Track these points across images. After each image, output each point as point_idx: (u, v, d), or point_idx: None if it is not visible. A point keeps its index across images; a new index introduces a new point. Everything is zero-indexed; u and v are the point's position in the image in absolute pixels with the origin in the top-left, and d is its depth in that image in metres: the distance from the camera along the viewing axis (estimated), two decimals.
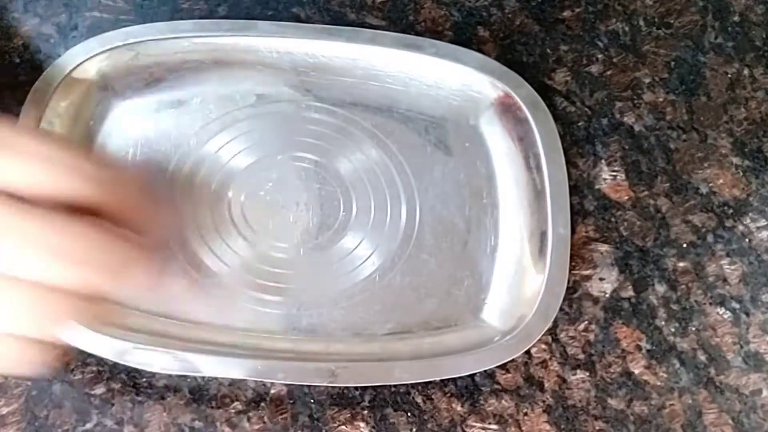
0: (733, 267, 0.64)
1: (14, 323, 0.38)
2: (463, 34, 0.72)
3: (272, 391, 0.58)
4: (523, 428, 0.59)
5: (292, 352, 0.59)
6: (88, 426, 0.57)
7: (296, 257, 0.63)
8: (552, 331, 0.61)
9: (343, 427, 0.58)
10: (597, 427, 0.59)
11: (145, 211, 0.42)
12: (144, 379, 0.58)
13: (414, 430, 0.58)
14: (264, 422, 0.57)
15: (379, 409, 0.58)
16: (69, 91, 0.65)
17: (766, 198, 0.67)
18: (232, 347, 0.59)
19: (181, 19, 0.70)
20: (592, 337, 0.62)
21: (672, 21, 0.73)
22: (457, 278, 0.63)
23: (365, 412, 0.58)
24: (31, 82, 0.65)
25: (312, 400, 0.58)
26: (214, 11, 0.71)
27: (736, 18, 0.74)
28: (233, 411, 0.58)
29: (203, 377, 0.58)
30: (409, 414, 0.58)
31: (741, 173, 0.68)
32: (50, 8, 0.70)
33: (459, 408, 0.59)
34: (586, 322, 0.62)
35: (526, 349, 0.59)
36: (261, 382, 0.58)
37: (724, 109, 0.70)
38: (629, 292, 0.63)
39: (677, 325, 0.62)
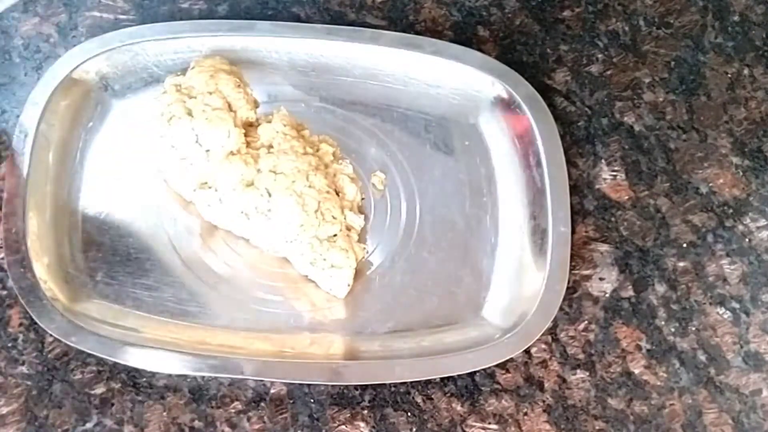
0: (733, 267, 0.64)
1: None
2: (463, 33, 0.72)
3: (272, 391, 0.58)
4: (523, 428, 0.58)
5: (293, 351, 0.59)
6: (88, 426, 0.57)
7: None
8: (552, 331, 0.61)
9: (343, 426, 0.58)
10: (597, 427, 0.59)
11: None
12: (144, 379, 0.58)
13: (414, 429, 0.58)
14: (264, 422, 0.57)
15: (379, 408, 0.58)
16: (69, 92, 0.65)
17: (766, 198, 0.67)
18: (232, 347, 0.59)
19: (181, 19, 0.70)
20: (592, 336, 0.62)
21: (672, 21, 0.73)
22: (458, 276, 0.63)
23: (365, 411, 0.58)
24: (31, 82, 0.65)
25: (312, 400, 0.58)
26: (214, 11, 0.71)
27: (736, 18, 0.74)
28: (233, 411, 0.58)
29: (203, 377, 0.58)
30: (409, 414, 0.58)
31: (741, 173, 0.68)
32: (50, 8, 0.70)
33: (459, 408, 0.59)
34: (586, 322, 0.62)
35: (526, 347, 0.59)
36: (261, 382, 0.58)
37: (724, 109, 0.70)
38: (629, 292, 0.63)
39: (677, 325, 0.62)
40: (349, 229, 0.62)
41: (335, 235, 0.60)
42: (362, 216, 0.63)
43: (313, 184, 0.60)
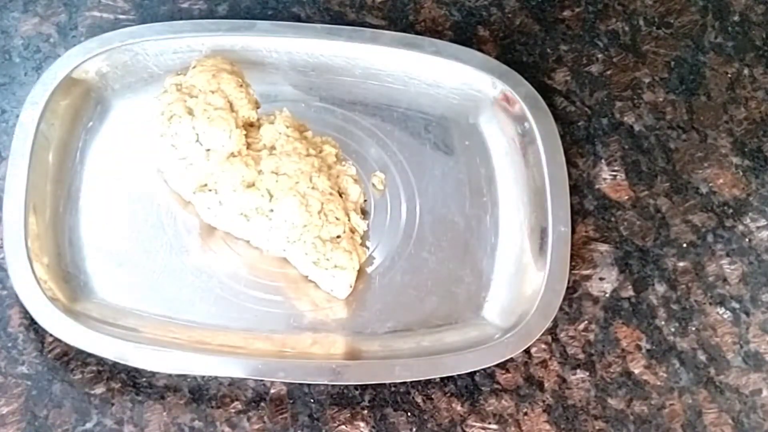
0: (733, 267, 0.64)
1: None
2: (463, 33, 0.72)
3: (272, 391, 0.58)
4: (523, 428, 0.58)
5: (293, 350, 0.59)
6: (88, 426, 0.57)
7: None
8: (552, 331, 0.61)
9: (343, 426, 0.58)
10: (597, 427, 0.59)
11: None
12: (144, 379, 0.58)
13: (414, 429, 0.58)
14: (264, 422, 0.57)
15: (379, 408, 0.58)
16: (69, 92, 0.65)
17: (766, 198, 0.67)
18: (232, 347, 0.59)
19: (181, 18, 0.70)
20: (592, 336, 0.62)
21: (672, 21, 0.73)
22: (458, 276, 0.63)
23: (365, 411, 0.58)
24: (31, 82, 0.65)
25: (312, 400, 0.58)
26: (214, 11, 0.71)
27: (736, 18, 0.74)
28: (233, 411, 0.58)
29: (203, 377, 0.58)
30: (409, 414, 0.58)
31: (741, 173, 0.68)
32: (50, 8, 0.70)
33: (459, 408, 0.59)
34: (586, 322, 0.62)
35: (526, 346, 0.59)
36: (261, 382, 0.58)
37: (724, 109, 0.70)
38: (629, 292, 0.63)
39: (677, 325, 0.62)
40: (353, 231, 0.62)
41: (339, 237, 0.60)
42: (366, 221, 0.63)
43: (316, 185, 0.61)
